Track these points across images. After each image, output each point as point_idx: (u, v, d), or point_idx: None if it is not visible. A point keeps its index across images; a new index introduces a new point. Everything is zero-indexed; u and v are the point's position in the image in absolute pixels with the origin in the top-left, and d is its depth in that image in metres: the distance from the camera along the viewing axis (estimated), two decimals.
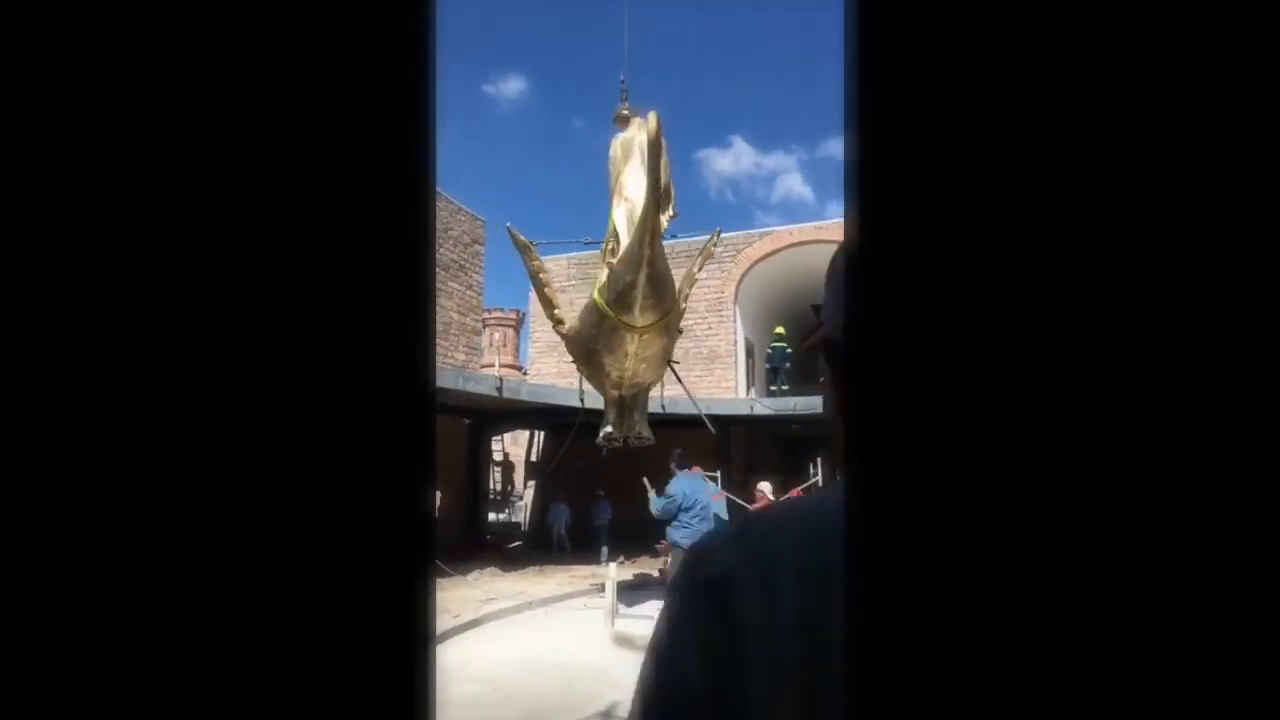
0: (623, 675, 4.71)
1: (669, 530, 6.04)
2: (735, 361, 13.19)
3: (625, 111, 6.89)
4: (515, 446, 15.42)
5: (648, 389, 6.64)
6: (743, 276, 13.26)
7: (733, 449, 12.43)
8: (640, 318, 5.46)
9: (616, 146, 5.96)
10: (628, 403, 6.58)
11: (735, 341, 13.25)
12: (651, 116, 4.10)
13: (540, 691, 4.16)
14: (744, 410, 11.36)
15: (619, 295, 5.46)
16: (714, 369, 13.02)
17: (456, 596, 7.38)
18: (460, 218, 12.42)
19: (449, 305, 12.09)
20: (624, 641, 5.44)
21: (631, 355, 5.88)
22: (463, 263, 12.38)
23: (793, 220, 13.60)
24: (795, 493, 10.99)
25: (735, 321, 13.28)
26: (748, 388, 13.79)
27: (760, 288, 13.76)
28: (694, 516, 6.20)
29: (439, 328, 12.02)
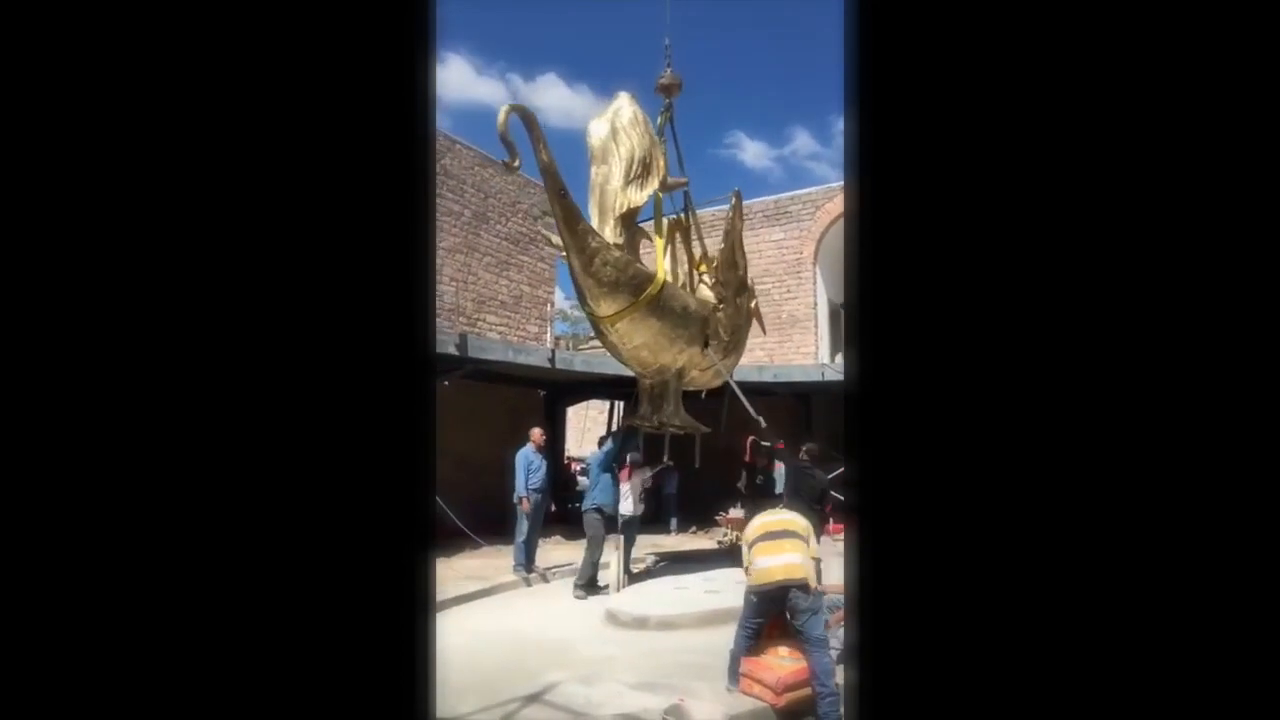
0: (581, 653, 4.57)
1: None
2: (816, 325, 12.43)
3: (666, 79, 6.47)
4: (602, 415, 15.54)
5: (679, 376, 6.32)
6: (823, 234, 12.41)
7: (814, 419, 11.79)
8: (600, 307, 5.16)
9: (592, 129, 5.51)
10: (656, 390, 6.39)
11: (815, 304, 12.47)
12: (501, 110, 3.84)
13: (479, 665, 4.11)
14: (815, 377, 10.67)
15: (575, 287, 5.17)
16: (792, 334, 12.36)
17: (491, 565, 7.53)
18: (530, 191, 12.51)
19: (519, 279, 12.27)
20: (610, 618, 5.29)
21: (618, 345, 5.63)
22: (533, 236, 12.49)
23: None
24: None
25: (815, 283, 12.48)
26: (833, 353, 12.98)
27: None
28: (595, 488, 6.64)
29: (509, 300, 12.26)
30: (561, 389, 12.09)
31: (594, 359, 10.56)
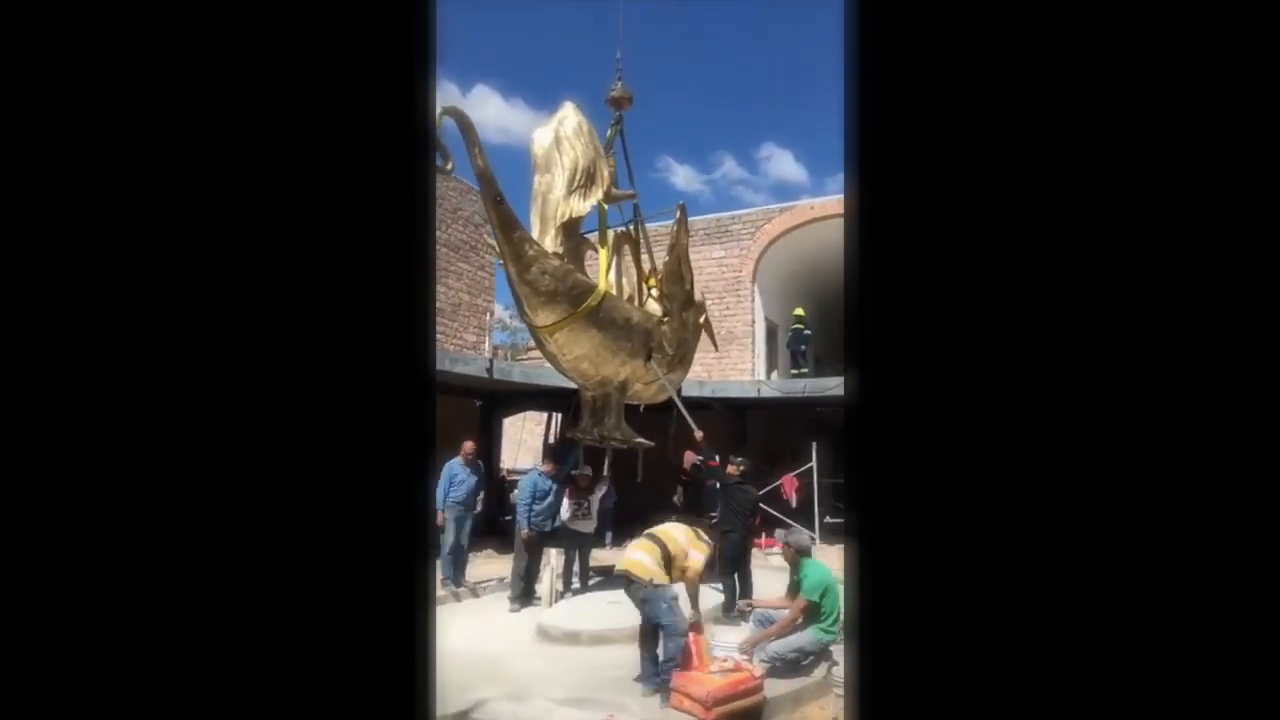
0: (511, 668, 4.47)
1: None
2: (753, 343, 12.66)
3: (617, 92, 6.42)
4: (540, 426, 15.38)
5: (622, 389, 6.22)
6: (761, 254, 12.68)
7: (749, 434, 11.97)
8: (538, 316, 5.08)
9: (535, 137, 5.44)
10: (598, 403, 6.28)
11: (753, 322, 12.71)
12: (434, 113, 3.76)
13: None
14: (752, 394, 10.86)
15: (513, 295, 5.12)
16: (730, 351, 12.53)
17: None
18: (471, 198, 12.36)
19: (458, 286, 12.08)
20: (542, 633, 5.21)
21: (558, 356, 5.54)
22: (473, 243, 12.33)
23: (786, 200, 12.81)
24: (789, 480, 10.44)
25: (754, 301, 12.73)
26: (768, 370, 13.24)
27: (782, 265, 13.14)
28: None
29: (447, 308, 12.04)
30: (498, 399, 11.92)
31: (532, 370, 10.46)
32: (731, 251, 12.89)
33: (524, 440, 15.82)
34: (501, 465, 12.57)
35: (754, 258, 12.73)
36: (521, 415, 14.48)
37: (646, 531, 4.36)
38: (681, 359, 6.95)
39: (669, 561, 4.12)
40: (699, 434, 5.93)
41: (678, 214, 6.49)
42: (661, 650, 3.93)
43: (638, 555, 4.14)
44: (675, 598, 4.04)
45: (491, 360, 9.65)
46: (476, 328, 12.39)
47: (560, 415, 13.74)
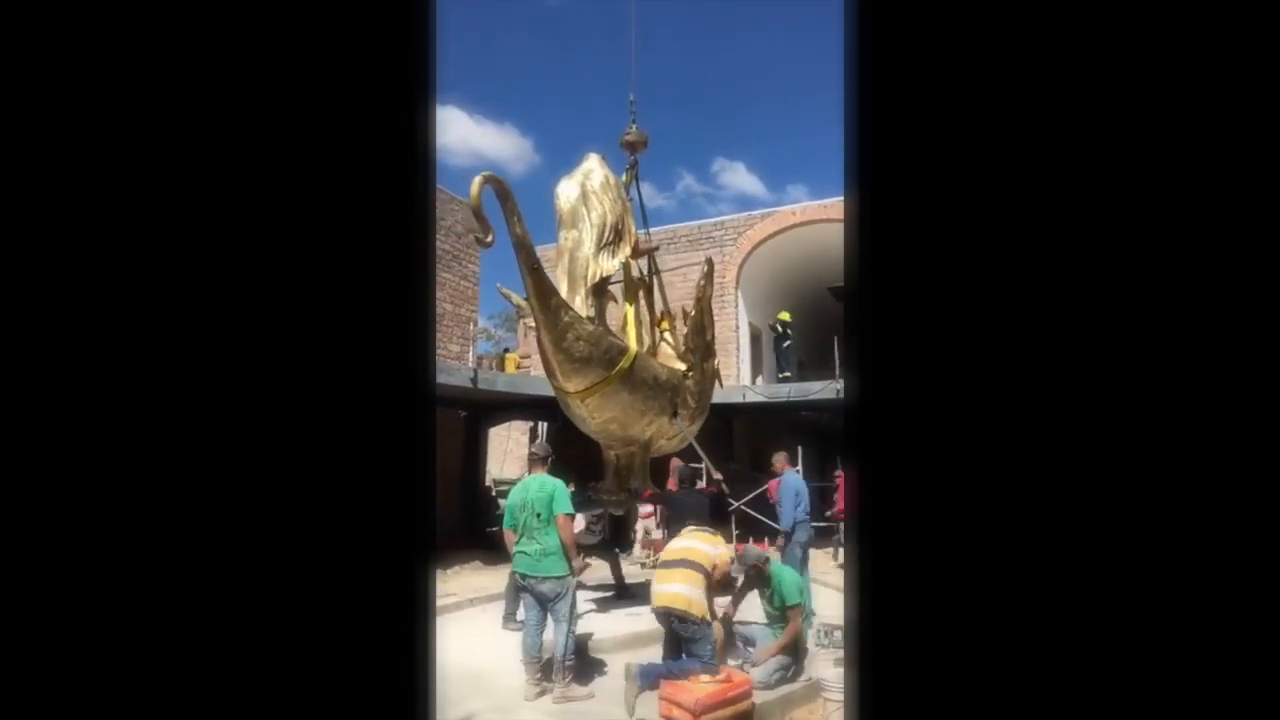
0: (500, 681, 4.44)
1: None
2: (738, 348, 12.71)
3: (632, 135, 6.38)
4: (525, 436, 15.33)
5: (646, 448, 6.15)
6: (744, 260, 12.75)
7: (735, 438, 12.02)
8: (571, 383, 5.00)
9: (561, 191, 5.37)
10: (623, 463, 6.20)
11: (737, 327, 12.77)
12: (475, 181, 3.75)
13: None
14: (737, 399, 10.90)
15: (544, 361, 5.09)
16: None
17: None
18: (454, 207, 12.33)
19: (442, 297, 12.04)
20: None
21: (588, 418, 5.44)
22: (456, 253, 12.31)
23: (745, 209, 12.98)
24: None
25: (737, 307, 12.79)
26: (753, 375, 13.29)
27: (767, 269, 13.21)
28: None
29: None
30: (483, 409, 11.87)
31: (517, 379, 10.44)
32: (714, 258, 12.94)
33: (510, 450, 15.76)
34: (487, 476, 12.51)
35: (737, 264, 12.80)
36: (507, 425, 14.42)
37: (671, 555, 4.27)
38: (702, 410, 6.87)
39: (708, 578, 4.06)
40: (718, 475, 6.00)
41: (704, 268, 6.48)
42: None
43: (679, 589, 3.95)
44: (717, 640, 4.02)
45: (476, 370, 9.61)
46: (460, 338, 12.34)
47: (545, 424, 13.70)
